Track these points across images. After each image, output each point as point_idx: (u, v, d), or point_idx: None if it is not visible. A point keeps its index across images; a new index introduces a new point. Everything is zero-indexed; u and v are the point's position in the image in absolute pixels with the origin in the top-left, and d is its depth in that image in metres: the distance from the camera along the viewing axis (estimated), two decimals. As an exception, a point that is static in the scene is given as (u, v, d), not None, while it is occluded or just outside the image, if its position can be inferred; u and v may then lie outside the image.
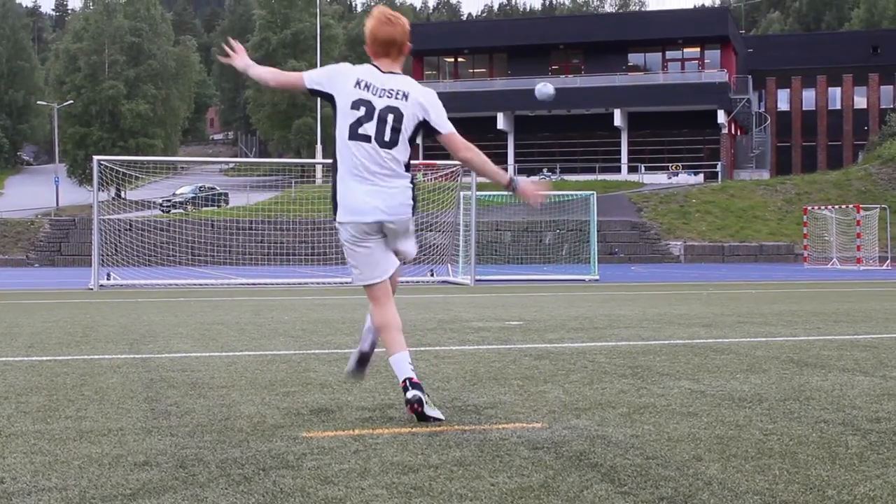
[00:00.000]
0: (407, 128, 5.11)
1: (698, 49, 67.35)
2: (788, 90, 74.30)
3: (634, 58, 68.64)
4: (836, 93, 73.44)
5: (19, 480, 3.87)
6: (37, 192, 74.15)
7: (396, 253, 5.33)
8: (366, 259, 5.20)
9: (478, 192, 25.45)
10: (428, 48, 69.73)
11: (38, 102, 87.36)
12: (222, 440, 4.63)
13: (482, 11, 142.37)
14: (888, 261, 38.91)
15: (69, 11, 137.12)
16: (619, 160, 65.93)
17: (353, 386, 6.36)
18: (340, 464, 4.12)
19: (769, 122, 70.77)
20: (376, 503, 3.51)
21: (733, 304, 15.18)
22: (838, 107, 73.41)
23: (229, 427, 4.97)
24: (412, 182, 5.20)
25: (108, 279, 22.97)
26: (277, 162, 42.58)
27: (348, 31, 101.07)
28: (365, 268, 5.23)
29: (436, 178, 30.45)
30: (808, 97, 73.96)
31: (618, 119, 65.01)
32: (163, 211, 46.71)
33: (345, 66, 5.29)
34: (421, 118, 5.14)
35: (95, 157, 23.99)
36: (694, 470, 3.98)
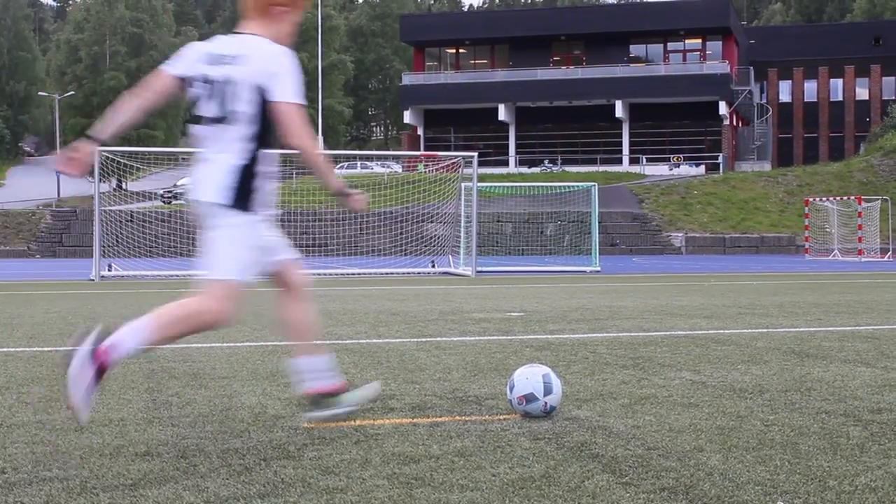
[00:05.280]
0: (242, 97, 4.24)
1: (700, 40, 67.28)
2: (790, 81, 74.23)
3: (636, 49, 68.57)
4: (837, 84, 73.36)
5: (21, 471, 3.87)
6: (38, 183, 74.04)
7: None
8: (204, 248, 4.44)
9: (479, 184, 25.43)
10: (429, 39, 69.65)
11: (40, 93, 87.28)
12: (223, 430, 4.63)
13: (483, 2, 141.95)
14: (889, 252, 38.89)
15: (70, 2, 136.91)
16: (620, 151, 65.91)
17: (354, 377, 6.37)
18: (341, 454, 4.12)
19: (770, 113, 70.70)
20: (377, 494, 3.50)
21: (734, 295, 15.17)
22: (840, 98, 73.33)
23: (230, 417, 4.98)
24: (246, 163, 4.30)
25: (109, 270, 22.98)
26: (278, 153, 42.49)
27: (350, 22, 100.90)
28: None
29: (437, 170, 30.41)
30: (810, 88, 73.90)
31: (619, 110, 64.98)
32: (164, 202, 46.69)
33: (196, 43, 4.57)
34: (258, 83, 4.23)
35: (97, 148, 23.90)
36: (695, 461, 3.98)
